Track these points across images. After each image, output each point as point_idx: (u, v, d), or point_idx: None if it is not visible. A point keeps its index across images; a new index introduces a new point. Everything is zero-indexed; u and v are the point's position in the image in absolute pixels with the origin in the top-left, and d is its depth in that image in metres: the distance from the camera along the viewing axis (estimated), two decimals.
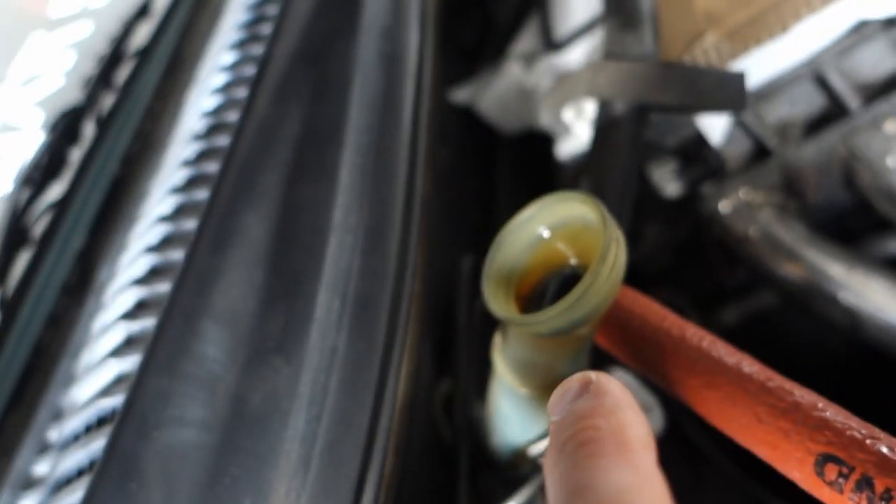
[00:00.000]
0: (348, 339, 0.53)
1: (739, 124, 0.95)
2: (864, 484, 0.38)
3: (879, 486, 0.38)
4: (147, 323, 0.63)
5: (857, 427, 0.41)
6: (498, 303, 0.54)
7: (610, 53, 0.72)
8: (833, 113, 0.92)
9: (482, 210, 1.08)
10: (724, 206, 0.97)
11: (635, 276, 1.15)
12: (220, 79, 0.79)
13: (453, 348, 0.77)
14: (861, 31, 0.82)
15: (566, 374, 0.60)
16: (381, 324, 0.54)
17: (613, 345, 0.58)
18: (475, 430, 0.76)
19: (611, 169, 0.71)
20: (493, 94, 1.06)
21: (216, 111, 0.76)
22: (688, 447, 1.08)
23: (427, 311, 0.79)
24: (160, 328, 0.60)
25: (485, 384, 0.68)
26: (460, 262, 0.87)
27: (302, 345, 0.55)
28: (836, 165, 0.90)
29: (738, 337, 1.16)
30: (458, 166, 1.10)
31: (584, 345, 0.57)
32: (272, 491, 0.50)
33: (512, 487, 0.70)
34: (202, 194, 0.70)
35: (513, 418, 0.66)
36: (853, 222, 0.99)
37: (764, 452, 0.44)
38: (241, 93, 0.77)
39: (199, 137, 0.74)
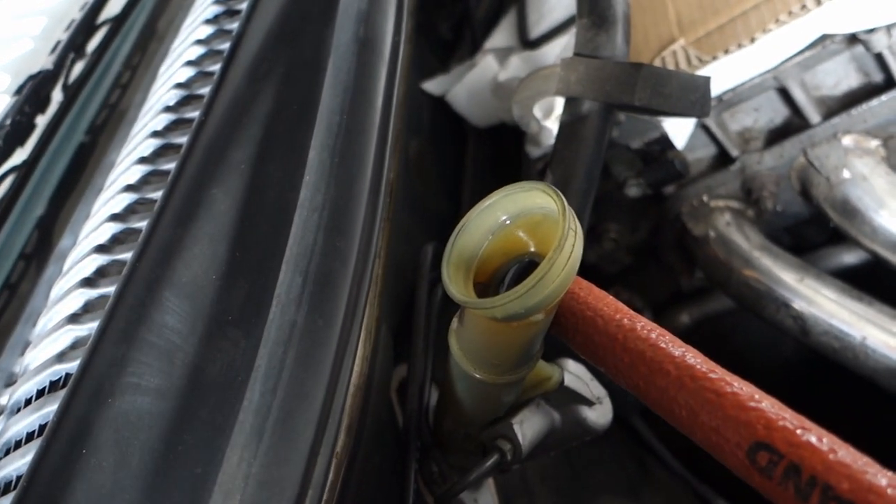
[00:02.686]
0: (307, 316, 0.54)
1: (704, 131, 0.98)
2: (792, 471, 0.40)
3: (806, 473, 0.40)
4: (107, 291, 0.63)
5: (789, 418, 0.43)
6: (456, 286, 0.55)
7: (581, 52, 0.73)
8: (795, 124, 0.95)
9: (449, 201, 1.09)
10: (684, 209, 0.99)
11: (594, 275, 1.18)
12: (194, 52, 0.79)
13: (411, 334, 0.78)
14: (825, 46, 0.85)
15: (520, 360, 0.62)
16: (342, 302, 0.55)
17: (567, 334, 0.59)
18: (429, 415, 0.77)
19: (575, 164, 0.73)
20: (465, 87, 1.08)
21: (188, 83, 0.76)
22: (636, 444, 1.10)
23: (387, 296, 0.80)
24: (119, 295, 0.60)
25: (441, 370, 0.70)
26: (423, 250, 0.88)
27: (261, 319, 0.56)
28: (794, 175, 0.93)
29: (691, 339, 1.20)
30: (427, 156, 1.11)
31: (538, 332, 0.58)
32: (225, 460, 0.50)
33: (462, 472, 0.72)
34: (170, 165, 0.70)
35: (466, 402, 0.67)
36: (809, 233, 1.02)
37: (702, 440, 0.46)
38: (214, 67, 0.77)
39: (169, 109, 0.74)
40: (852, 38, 0.83)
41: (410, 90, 1.16)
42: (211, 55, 0.79)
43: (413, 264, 0.89)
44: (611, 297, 0.59)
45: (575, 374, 0.71)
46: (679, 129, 0.89)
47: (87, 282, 0.64)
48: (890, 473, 0.39)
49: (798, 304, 0.90)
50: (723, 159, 0.99)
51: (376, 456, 0.71)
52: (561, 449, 0.76)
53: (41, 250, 0.85)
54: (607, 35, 0.72)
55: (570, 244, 0.51)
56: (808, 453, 0.40)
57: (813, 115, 0.92)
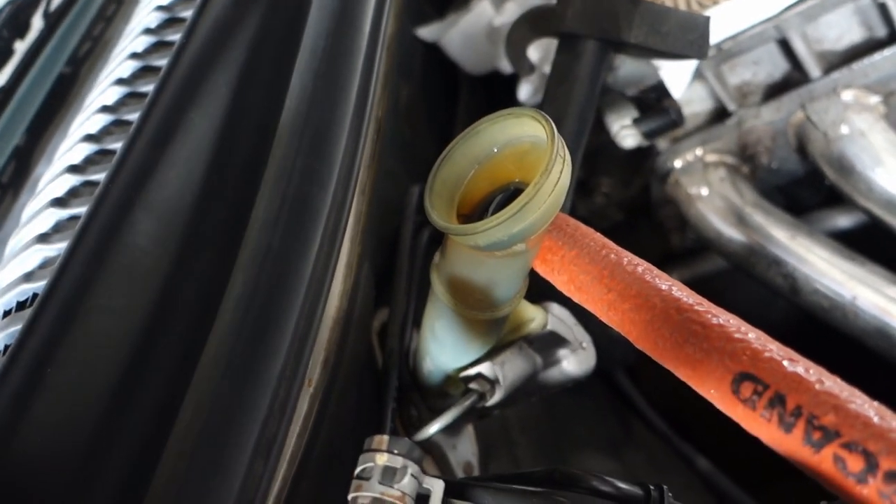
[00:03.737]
0: (282, 239, 0.52)
1: (702, 83, 0.95)
2: (777, 401, 0.39)
3: (791, 403, 0.38)
4: (78, 211, 0.61)
5: (776, 350, 0.41)
6: (438, 213, 0.53)
7: None
8: (794, 79, 0.93)
9: (438, 148, 1.06)
10: (678, 164, 0.97)
11: None
12: None
13: (394, 274, 0.76)
14: None
15: (503, 296, 0.60)
16: (318, 226, 0.53)
17: (552, 273, 0.58)
18: (410, 358, 0.75)
19: (567, 104, 0.71)
20: (460, 32, 1.05)
21: (170, 6, 0.73)
22: (619, 401, 1.09)
23: (371, 234, 0.78)
24: (91, 216, 0.58)
25: (423, 314, 0.68)
26: (409, 192, 0.86)
27: (236, 242, 0.54)
28: (792, 130, 0.91)
29: None
30: (418, 103, 1.08)
31: (521, 265, 0.56)
32: (191, 382, 0.48)
33: (439, 411, 0.71)
34: (149, 87, 0.67)
35: (446, 342, 0.65)
36: (804, 193, 1.00)
37: (685, 373, 0.45)
38: None
39: (150, 31, 0.71)
40: None
41: (404, 36, 1.14)
42: None
43: (399, 207, 0.87)
44: (597, 233, 0.57)
45: (559, 318, 0.69)
46: (676, 77, 0.87)
47: (59, 202, 0.62)
48: (877, 404, 0.38)
49: (789, 262, 0.88)
50: (720, 113, 0.97)
51: (353, 393, 0.69)
52: (542, 395, 0.74)
53: (17, 180, 0.82)
54: None
55: (558, 170, 0.49)
56: (794, 383, 0.39)
57: (813, 69, 0.90)
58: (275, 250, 0.52)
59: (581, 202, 1.10)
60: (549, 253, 0.58)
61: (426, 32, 1.12)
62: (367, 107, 0.62)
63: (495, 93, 1.14)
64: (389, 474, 0.44)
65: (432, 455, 0.80)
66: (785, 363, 0.40)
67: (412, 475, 0.44)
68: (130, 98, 0.67)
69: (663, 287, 0.48)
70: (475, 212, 0.57)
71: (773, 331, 1.15)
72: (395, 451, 0.44)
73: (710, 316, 0.45)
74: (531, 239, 0.53)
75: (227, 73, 0.66)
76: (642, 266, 0.51)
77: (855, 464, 0.35)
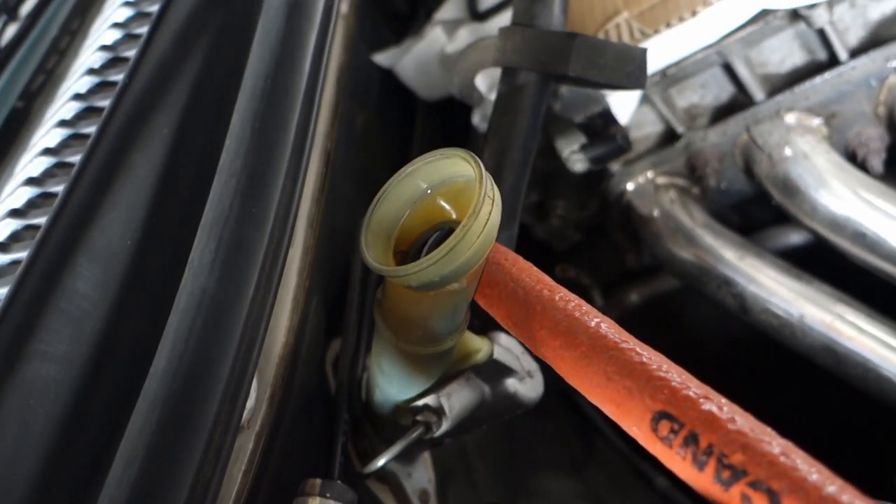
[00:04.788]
0: (218, 282, 0.52)
1: (651, 107, 0.97)
2: (691, 440, 0.40)
3: (703, 442, 0.39)
4: (19, 256, 0.61)
5: (693, 388, 0.42)
6: (374, 254, 0.53)
7: (518, 21, 0.72)
8: (740, 101, 0.95)
9: (395, 171, 1.07)
10: (629, 187, 0.99)
11: (543, 251, 1.17)
12: (123, 13, 0.76)
13: (345, 306, 0.76)
14: (767, 21, 0.84)
15: (443, 331, 0.61)
16: (254, 269, 0.53)
17: (491, 306, 0.59)
18: (361, 388, 0.76)
19: (511, 135, 0.72)
20: (413, 59, 1.06)
21: (114, 45, 0.74)
22: (580, 421, 1.10)
23: (321, 267, 0.79)
24: (31, 261, 0.58)
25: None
26: (361, 221, 0.86)
27: (174, 286, 0.54)
28: (738, 152, 0.93)
29: (642, 317, 1.20)
30: (374, 129, 1.09)
31: (458, 302, 0.57)
32: (128, 427, 0.49)
33: (390, 441, 0.71)
34: (91, 128, 0.68)
35: (393, 375, 0.66)
36: (755, 212, 1.02)
37: (610, 410, 0.45)
38: (143, 29, 0.75)
39: (93, 71, 0.72)
40: (795, 15, 0.83)
41: (360, 62, 1.15)
42: (139, 17, 0.77)
43: (353, 235, 0.88)
44: (535, 269, 0.58)
45: (505, 348, 0.70)
46: (623, 104, 0.88)
47: (0, 247, 0.62)
48: (784, 441, 0.39)
49: (738, 282, 0.90)
50: (669, 136, 0.99)
51: (303, 427, 0.70)
52: (493, 422, 0.75)
53: None
54: (544, 4, 0.71)
55: (487, 211, 0.50)
56: (707, 422, 0.40)
57: (757, 93, 0.92)
58: (209, 294, 0.52)
59: (538, 224, 1.11)
60: (487, 287, 0.59)
61: (382, 58, 1.13)
62: (306, 145, 0.62)
63: (452, 118, 1.15)
64: None
65: (388, 484, 0.80)
66: (701, 402, 0.41)
67: None
68: (73, 140, 0.68)
69: (591, 324, 0.49)
70: (412, 248, 0.58)
71: (731, 346, 1.16)
72: (328, 495, 0.44)
73: (633, 354, 0.46)
74: (466, 276, 0.54)
75: (169, 114, 0.67)
76: (573, 302, 0.52)
77: (760, 502, 0.36)
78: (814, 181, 0.86)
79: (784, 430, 0.40)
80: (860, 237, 0.86)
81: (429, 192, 0.56)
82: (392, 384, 0.67)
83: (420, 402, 0.67)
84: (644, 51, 0.68)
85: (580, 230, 1.12)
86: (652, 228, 0.96)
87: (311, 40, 0.67)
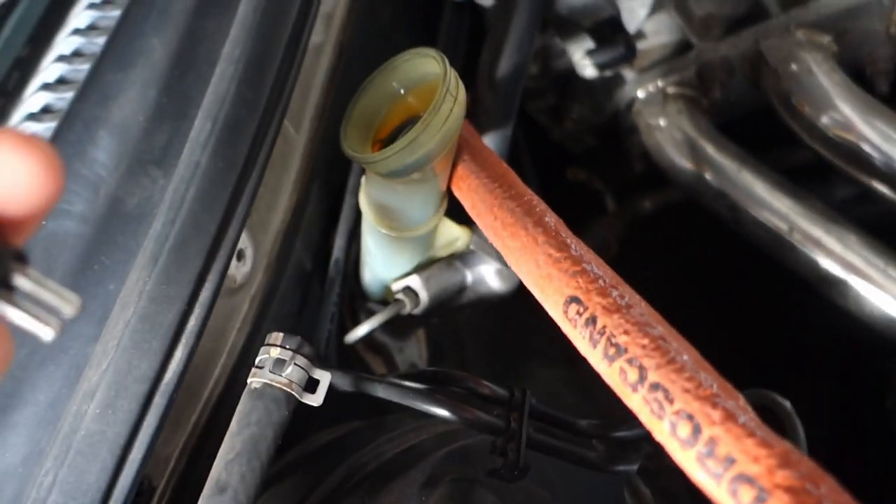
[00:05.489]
0: (210, 157, 0.59)
1: (669, 14, 0.98)
2: (591, 321, 0.45)
3: (599, 324, 0.45)
4: (49, 126, 0.69)
5: (606, 277, 0.48)
6: (350, 141, 0.59)
7: None
8: (756, 13, 0.94)
9: None
10: (640, 94, 1.01)
11: (559, 154, 1.20)
12: None
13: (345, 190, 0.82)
14: None
15: (418, 217, 0.67)
16: (244, 147, 0.59)
17: (462, 197, 0.64)
18: (357, 266, 0.83)
19: (508, 36, 0.75)
20: None
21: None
22: None
23: (326, 154, 0.84)
24: (58, 130, 0.65)
25: None
26: None
27: (177, 159, 0.61)
28: (747, 65, 0.93)
29: (654, 224, 1.23)
30: (400, 23, 1.12)
31: (429, 189, 0.63)
32: (129, 279, 0.57)
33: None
34: (116, 13, 0.74)
35: (377, 255, 0.73)
36: (764, 128, 1.03)
37: (536, 293, 0.51)
38: None
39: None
40: None
41: None
42: None
43: None
44: (502, 165, 0.63)
45: (484, 238, 0.76)
46: (633, 11, 0.89)
47: (33, 117, 0.69)
48: (670, 329, 0.44)
49: (732, 194, 0.92)
50: (684, 46, 0.99)
51: (298, 298, 0.77)
52: (476, 306, 0.82)
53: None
54: None
55: (448, 108, 0.55)
56: (605, 308, 0.45)
57: (772, 5, 0.91)
58: (202, 168, 0.59)
59: (554, 127, 1.14)
60: (460, 180, 0.64)
61: None
62: (303, 37, 0.67)
63: (479, 14, 1.17)
64: (279, 365, 0.52)
65: (381, 356, 0.89)
66: (608, 290, 0.46)
67: (297, 365, 0.51)
68: (102, 20, 0.74)
69: (533, 218, 0.54)
70: (389, 137, 0.63)
71: (740, 255, 1.18)
72: (287, 346, 0.52)
73: (563, 246, 0.51)
74: (435, 166, 0.59)
75: (185, 2, 0.72)
76: (524, 197, 0.57)
77: (632, 375, 0.42)
78: (817, 99, 0.87)
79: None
80: (859, 158, 0.87)
81: (402, 91, 0.60)
82: (378, 263, 0.74)
83: (402, 283, 0.74)
84: None
85: (595, 135, 1.15)
86: (657, 137, 0.99)
87: None
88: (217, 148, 0.59)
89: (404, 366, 0.88)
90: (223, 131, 0.60)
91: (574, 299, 0.47)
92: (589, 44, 0.90)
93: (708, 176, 0.95)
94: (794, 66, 0.88)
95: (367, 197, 0.66)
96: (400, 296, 0.73)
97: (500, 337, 1.04)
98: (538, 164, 1.20)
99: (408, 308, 0.72)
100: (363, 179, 0.67)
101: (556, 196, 1.18)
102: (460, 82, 0.56)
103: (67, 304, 0.28)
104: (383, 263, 0.73)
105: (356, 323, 0.85)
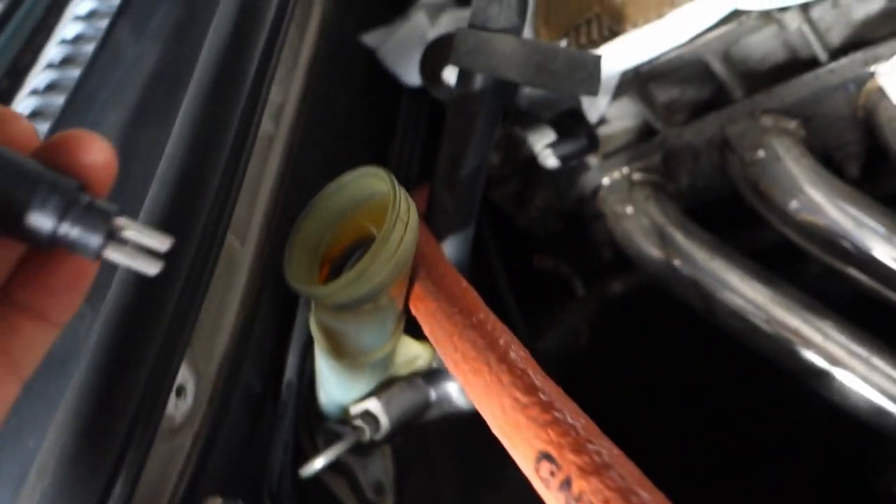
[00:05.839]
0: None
1: (631, 99, 0.95)
2: (566, 485, 0.40)
3: (575, 489, 0.40)
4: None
5: (580, 429, 0.43)
6: (293, 271, 0.54)
7: (474, 23, 0.71)
8: (720, 99, 0.92)
9: (376, 158, 1.07)
10: (605, 181, 0.98)
11: (523, 240, 1.16)
12: (86, 6, 0.77)
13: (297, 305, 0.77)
14: (741, 22, 0.81)
15: (373, 343, 0.61)
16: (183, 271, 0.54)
17: (420, 319, 0.59)
18: (310, 385, 0.77)
19: (465, 140, 0.71)
20: (396, 43, 1.05)
21: (74, 40, 0.74)
22: None
23: (277, 262, 0.79)
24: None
25: None
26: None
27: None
28: (713, 152, 0.91)
29: (624, 307, 1.19)
30: (359, 112, 1.09)
31: (384, 316, 0.58)
32: (46, 437, 0.50)
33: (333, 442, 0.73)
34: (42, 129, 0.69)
35: (331, 380, 0.67)
36: (731, 211, 1.00)
37: (504, 441, 0.46)
38: (104, 23, 0.75)
39: (52, 66, 0.72)
40: (769, 15, 0.80)
41: (344, 43, 1.13)
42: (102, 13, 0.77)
43: None
44: (463, 285, 0.58)
45: None
46: (593, 101, 0.87)
47: None
48: (657, 494, 0.39)
49: (705, 284, 0.89)
50: (648, 131, 0.97)
51: (247, 427, 0.71)
52: (442, 426, 0.76)
53: None
54: (500, 5, 0.70)
55: (399, 236, 0.50)
56: (581, 469, 0.40)
57: (736, 90, 0.89)
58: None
59: (518, 213, 1.10)
60: (417, 301, 0.59)
61: (369, 39, 1.12)
62: (245, 146, 0.63)
63: (439, 102, 1.14)
64: None
65: (343, 475, 0.82)
66: (585, 445, 0.41)
67: None
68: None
69: (497, 353, 0.49)
70: (337, 263, 0.58)
71: (713, 341, 1.14)
72: None
73: (531, 388, 0.46)
74: (384, 295, 0.54)
75: (121, 113, 0.68)
76: (489, 325, 0.52)
77: None
78: (786, 185, 0.84)
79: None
80: (831, 245, 0.84)
81: (349, 211, 0.56)
82: (333, 388, 0.68)
83: (359, 407, 0.68)
84: (597, 58, 0.67)
85: (561, 219, 1.11)
86: (625, 225, 0.95)
87: (261, 37, 0.67)
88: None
89: (369, 486, 0.82)
90: None
91: (545, 456, 0.42)
92: (550, 135, 0.87)
93: (678, 264, 0.91)
94: (761, 153, 0.85)
95: (317, 324, 0.61)
96: (359, 422, 0.67)
97: (471, 446, 0.98)
98: (502, 251, 1.16)
99: (367, 435, 0.66)
100: (313, 306, 0.62)
101: (522, 282, 1.15)
102: (411, 204, 0.52)
103: (162, 243, 0.33)
104: (339, 388, 0.68)
105: (314, 445, 0.79)
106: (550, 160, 0.91)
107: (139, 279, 0.54)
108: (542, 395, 0.45)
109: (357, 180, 0.55)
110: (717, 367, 1.14)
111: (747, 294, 0.87)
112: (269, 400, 0.74)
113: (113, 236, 0.32)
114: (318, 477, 0.78)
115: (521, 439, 0.44)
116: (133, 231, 0.33)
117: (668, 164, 0.93)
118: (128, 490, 0.49)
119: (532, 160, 1.00)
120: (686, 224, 0.92)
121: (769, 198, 0.85)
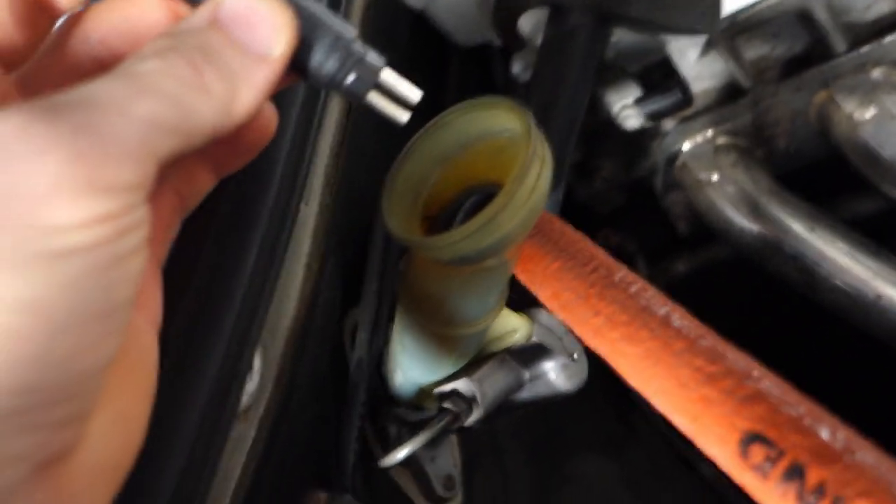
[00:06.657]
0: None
1: (715, 57, 0.86)
2: (795, 473, 0.31)
3: (812, 478, 0.31)
4: None
5: (795, 404, 0.34)
6: (398, 220, 0.45)
7: None
8: (817, 53, 0.83)
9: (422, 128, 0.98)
10: (686, 147, 0.89)
11: (584, 215, 1.08)
12: None
13: (365, 273, 0.68)
14: None
15: (476, 313, 0.52)
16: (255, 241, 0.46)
17: (534, 283, 0.50)
18: (381, 364, 0.68)
19: (558, 88, 0.62)
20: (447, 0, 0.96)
21: None
22: (619, 397, 1.02)
23: (339, 228, 0.70)
24: None
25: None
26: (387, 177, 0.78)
27: None
28: (813, 110, 0.82)
29: (687, 289, 1.11)
30: (403, 75, 1.00)
31: (495, 280, 0.49)
32: None
33: (413, 428, 0.64)
34: None
35: (416, 356, 0.58)
36: (826, 178, 0.92)
37: (682, 423, 0.37)
38: None
39: None
40: None
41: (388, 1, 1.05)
42: None
43: (374, 192, 0.79)
44: (587, 240, 0.49)
45: (546, 328, 0.62)
46: (685, 52, 0.78)
47: None
48: None
49: (807, 257, 0.80)
50: (733, 91, 0.88)
51: (315, 411, 0.62)
52: (530, 409, 0.67)
53: None
54: None
55: (535, 174, 0.41)
56: (816, 453, 0.31)
57: (839, 43, 0.81)
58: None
59: (580, 185, 1.01)
60: (530, 262, 0.50)
61: (415, 1, 1.03)
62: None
63: (489, 65, 1.06)
64: None
65: (409, 468, 0.73)
66: (806, 423, 0.32)
67: None
68: None
69: (659, 313, 0.40)
70: (443, 214, 0.49)
71: (783, 326, 1.06)
72: None
73: (714, 355, 0.37)
74: (507, 252, 0.45)
75: None
76: (636, 286, 0.43)
77: None
78: None
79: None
80: None
81: (463, 148, 0.47)
82: (415, 365, 0.59)
83: (448, 387, 0.59)
84: None
85: (626, 193, 1.03)
86: (710, 194, 0.86)
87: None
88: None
89: (438, 480, 0.73)
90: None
91: (757, 437, 0.33)
92: (635, 91, 0.78)
93: (775, 238, 0.82)
94: (872, 110, 0.76)
95: (408, 287, 0.52)
96: (450, 405, 0.58)
97: (540, 431, 0.89)
98: None
99: (462, 420, 0.57)
100: (403, 267, 0.53)
101: None
102: (545, 143, 0.43)
103: (414, 94, 0.36)
104: (423, 365, 0.58)
105: (380, 432, 0.70)
106: (631, 120, 0.82)
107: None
108: (731, 361, 0.36)
109: (468, 113, 0.46)
110: (788, 360, 1.06)
111: (854, 269, 0.79)
112: (335, 380, 0.65)
113: (377, 84, 0.35)
114: (382, 468, 0.70)
115: (712, 418, 0.35)
116: (392, 80, 0.35)
117: (760, 126, 0.84)
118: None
119: (601, 125, 0.91)
120: (781, 193, 0.84)
121: (882, 161, 0.77)
